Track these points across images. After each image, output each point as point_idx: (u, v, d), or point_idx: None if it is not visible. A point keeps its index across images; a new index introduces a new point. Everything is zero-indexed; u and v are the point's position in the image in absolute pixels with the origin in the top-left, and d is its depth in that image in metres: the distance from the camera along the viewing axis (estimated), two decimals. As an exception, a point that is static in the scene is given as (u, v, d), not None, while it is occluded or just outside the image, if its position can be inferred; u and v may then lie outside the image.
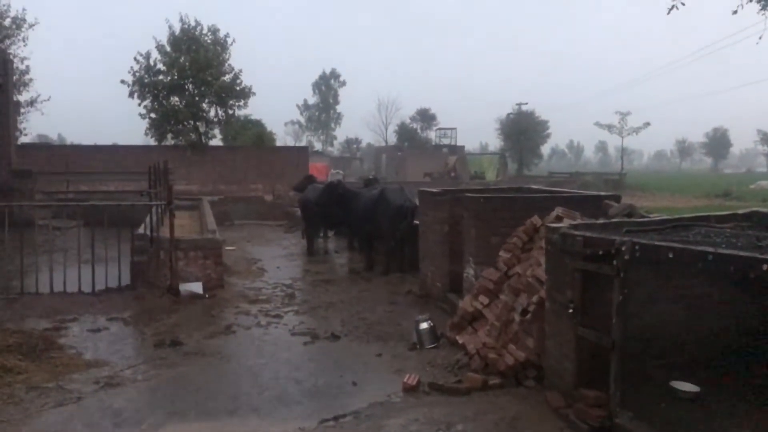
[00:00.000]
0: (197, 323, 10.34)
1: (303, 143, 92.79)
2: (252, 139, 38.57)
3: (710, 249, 4.95)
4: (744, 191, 49.20)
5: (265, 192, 31.89)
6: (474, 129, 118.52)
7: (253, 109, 39.61)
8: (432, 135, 79.69)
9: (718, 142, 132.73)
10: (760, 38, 7.41)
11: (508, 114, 76.67)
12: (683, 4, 6.75)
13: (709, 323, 6.37)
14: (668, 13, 6.89)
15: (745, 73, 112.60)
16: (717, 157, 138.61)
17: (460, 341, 8.45)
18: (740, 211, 7.50)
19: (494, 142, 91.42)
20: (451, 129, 73.05)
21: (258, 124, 43.41)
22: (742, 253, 4.72)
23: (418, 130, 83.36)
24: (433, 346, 8.87)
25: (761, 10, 6.91)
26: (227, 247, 17.13)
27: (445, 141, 71.31)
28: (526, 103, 75.63)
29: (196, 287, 12.12)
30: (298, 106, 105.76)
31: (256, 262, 16.78)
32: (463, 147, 70.72)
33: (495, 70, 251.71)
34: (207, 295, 12.03)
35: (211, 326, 10.22)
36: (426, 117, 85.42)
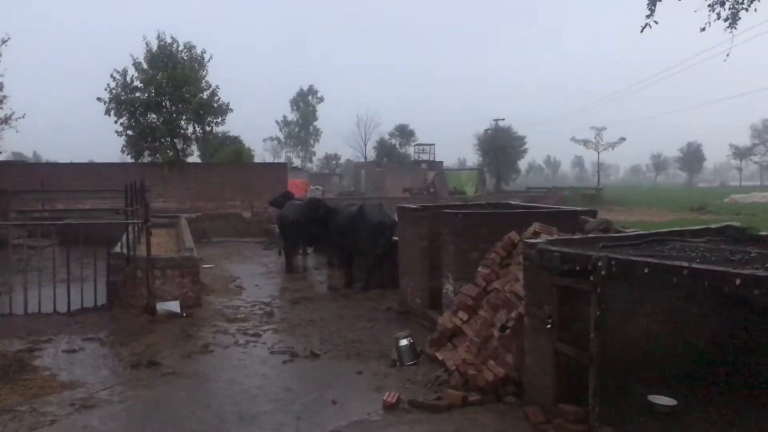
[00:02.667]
0: (174, 343, 10.22)
1: (282, 159, 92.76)
2: (230, 155, 38.43)
3: (685, 264, 5.02)
4: (718, 205, 49.92)
5: (244, 209, 31.73)
6: (452, 145, 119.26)
7: (231, 125, 39.65)
8: (411, 151, 79.94)
9: (692, 157, 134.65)
10: (727, 56, 7.55)
11: (486, 130, 77.28)
12: (656, 22, 6.87)
13: (686, 337, 6.44)
14: (641, 31, 7.02)
15: (717, 88, 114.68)
16: (691, 171, 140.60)
17: (440, 358, 8.45)
18: (713, 226, 7.62)
19: (472, 158, 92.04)
20: (430, 145, 73.39)
21: (236, 141, 43.28)
22: (715, 268, 4.78)
23: (397, 146, 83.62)
24: (413, 363, 8.85)
25: (728, 28, 7.05)
26: (205, 265, 17.03)
27: (424, 157, 71.56)
28: (503, 119, 76.26)
29: (174, 306, 12.01)
30: (276, 122, 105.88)
31: (234, 279, 16.66)
32: (441, 163, 71.00)
33: (472, 87, 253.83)
34: (184, 314, 11.91)
35: (188, 346, 10.10)
36: (405, 133, 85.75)
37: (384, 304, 12.95)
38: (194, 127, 34.48)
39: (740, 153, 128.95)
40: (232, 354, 9.78)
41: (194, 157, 37.75)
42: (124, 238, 13.60)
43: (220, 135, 39.61)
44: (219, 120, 34.61)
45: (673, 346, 6.22)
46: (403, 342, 9.05)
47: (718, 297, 4.83)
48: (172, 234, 19.78)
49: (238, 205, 32.28)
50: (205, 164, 37.62)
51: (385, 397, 7.33)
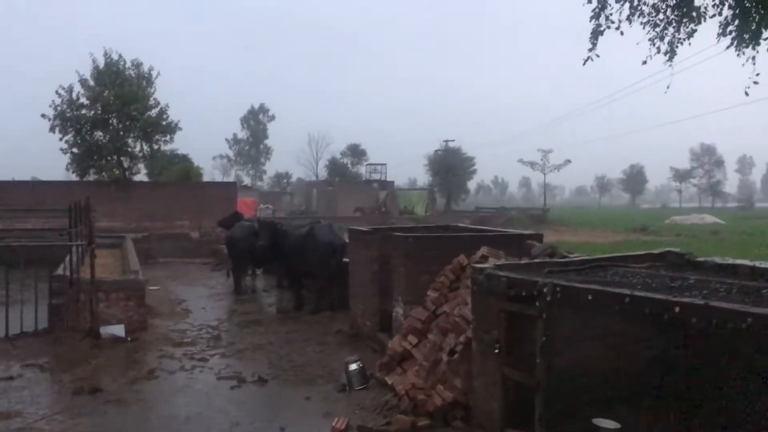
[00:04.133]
0: (119, 368, 9.97)
1: (231, 178, 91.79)
2: (178, 174, 37.89)
3: (627, 291, 5.17)
4: (659, 226, 51.40)
5: (192, 229, 31.22)
6: (403, 165, 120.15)
7: (179, 143, 39.09)
8: (362, 170, 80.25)
9: (635, 179, 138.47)
10: (668, 87, 7.87)
11: (436, 150, 78.12)
12: (597, 56, 7.13)
13: (629, 361, 6.58)
14: (584, 64, 7.26)
15: (658, 113, 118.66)
16: (634, 193, 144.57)
17: (390, 382, 8.44)
18: (654, 252, 7.85)
19: (423, 178, 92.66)
20: (381, 164, 73.82)
21: (185, 159, 42.70)
22: (656, 296, 4.94)
23: (349, 165, 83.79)
24: (362, 387, 8.82)
25: (667, 61, 7.36)
26: (151, 287, 16.66)
27: (376, 176, 71.87)
28: (453, 140, 77.28)
29: (118, 330, 11.72)
30: (226, 140, 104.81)
31: (181, 302, 16.35)
32: (392, 182, 71.41)
33: (424, 108, 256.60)
34: (129, 338, 11.64)
35: (133, 371, 9.87)
36: (356, 152, 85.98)
37: (334, 327, 12.89)
38: (142, 145, 34.00)
39: (680, 176, 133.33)
40: (178, 380, 9.60)
41: (141, 176, 37.14)
42: (67, 259, 13.23)
43: (168, 153, 39.03)
44: (167, 138, 34.25)
45: (617, 370, 6.35)
46: (353, 366, 9.03)
47: (659, 323, 4.98)
48: (118, 255, 19.35)
49: (186, 225, 31.79)
50: (153, 183, 36.97)
51: (334, 424, 7.28)
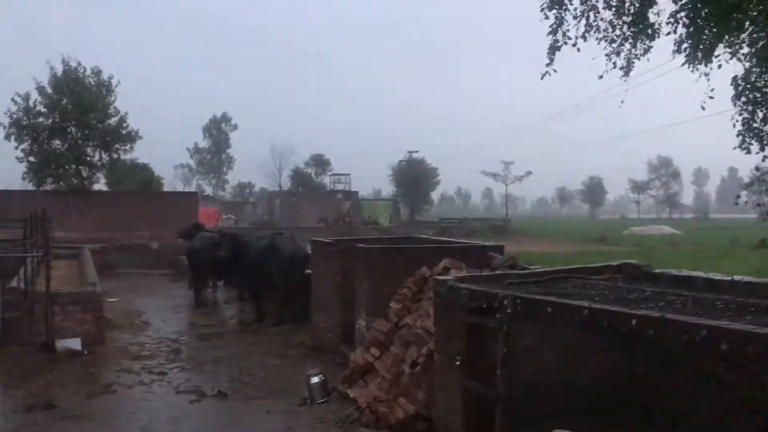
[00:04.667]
0: (74, 383, 9.75)
1: (193, 188, 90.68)
2: (138, 184, 37.26)
3: (585, 304, 5.24)
4: (618, 237, 52.33)
5: (152, 239, 30.70)
6: (367, 175, 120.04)
7: (140, 152, 38.29)
8: (326, 180, 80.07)
9: (594, 190, 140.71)
10: (622, 102, 8.06)
11: (400, 161, 78.38)
12: (555, 71, 7.27)
13: (588, 372, 6.66)
14: (542, 78, 7.39)
15: (617, 127, 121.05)
16: (594, 204, 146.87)
17: (352, 395, 8.40)
18: (613, 263, 7.98)
19: (387, 188, 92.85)
20: (345, 175, 73.82)
21: (145, 169, 42.01)
22: (614, 308, 5.02)
23: (313, 176, 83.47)
24: (324, 400, 8.76)
25: (623, 76, 7.54)
26: (109, 299, 16.34)
27: (339, 186, 71.84)
28: (417, 151, 77.67)
29: (74, 344, 11.46)
30: (188, 149, 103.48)
31: (140, 314, 16.05)
32: (356, 193, 71.44)
33: (388, 119, 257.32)
34: (86, 352, 11.40)
35: (89, 386, 9.65)
36: (320, 162, 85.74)
37: (296, 339, 12.80)
38: (101, 154, 33.34)
39: (638, 187, 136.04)
40: (136, 394, 9.42)
41: (100, 185, 36.38)
42: (21, 271, 12.91)
43: (128, 162, 38.32)
44: (127, 147, 33.62)
45: (576, 381, 6.41)
46: (315, 379, 8.96)
47: (617, 335, 5.05)
48: (75, 266, 18.94)
49: (146, 236, 31.21)
50: (112, 193, 36.29)
51: (294, 438, 7.21)
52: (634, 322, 4.67)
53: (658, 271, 7.62)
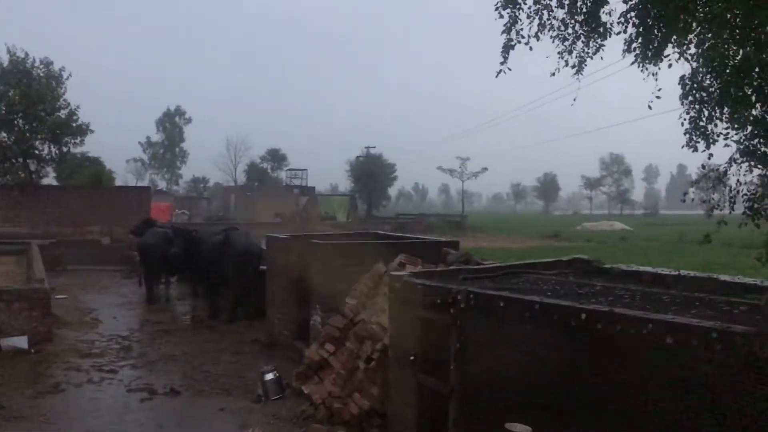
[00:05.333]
0: (21, 382, 9.49)
1: (146, 182, 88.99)
2: (89, 178, 36.37)
3: (536, 299, 5.31)
4: (571, 232, 53.31)
5: (103, 235, 30.03)
6: (324, 170, 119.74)
7: (90, 146, 37.50)
8: (282, 175, 79.47)
9: (548, 186, 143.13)
10: (574, 100, 8.17)
11: (358, 156, 78.24)
12: (509, 69, 7.33)
13: (539, 366, 6.76)
14: (496, 76, 7.44)
15: (570, 124, 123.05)
16: (547, 200, 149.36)
17: (306, 391, 8.37)
18: (564, 258, 8.12)
19: (344, 184, 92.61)
20: (302, 170, 73.31)
21: (96, 162, 41.07)
22: (564, 303, 5.10)
23: (269, 171, 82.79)
24: (278, 397, 8.72)
25: (575, 74, 7.64)
26: (57, 296, 15.98)
27: (296, 182, 71.31)
28: (374, 147, 77.65)
29: (20, 342, 11.16)
30: (140, 143, 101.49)
31: (91, 311, 15.69)
32: (313, 188, 71.06)
33: (345, 114, 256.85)
34: (33, 350, 11.10)
35: (36, 385, 9.41)
36: (276, 157, 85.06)
37: (250, 336, 12.69)
38: (50, 148, 32.43)
39: (591, 184, 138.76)
40: (85, 393, 9.22)
41: (50, 179, 35.43)
42: (-37, 268, 12.50)
43: (78, 156, 37.41)
44: (78, 140, 32.80)
45: (528, 375, 6.51)
46: (269, 376, 8.91)
47: (567, 329, 5.14)
48: (22, 262, 18.38)
49: (97, 231, 30.50)
50: (62, 187, 35.35)
51: (248, 435, 7.15)
52: (583, 316, 4.75)
53: (608, 266, 7.79)
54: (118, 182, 46.65)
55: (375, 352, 7.65)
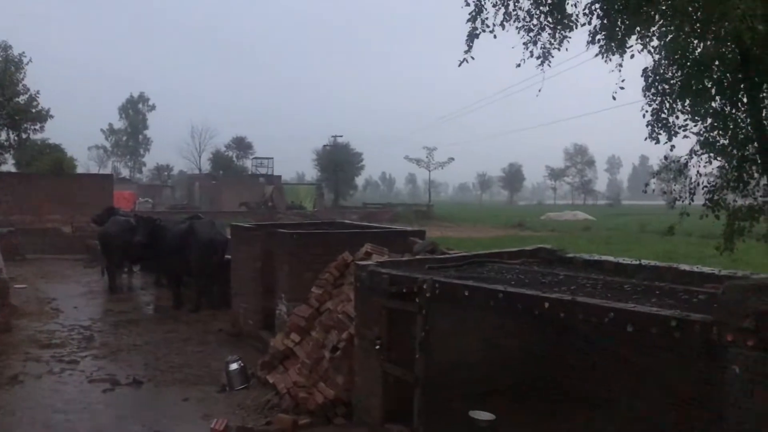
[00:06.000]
0: (-23, 374, 9.27)
1: (108, 170, 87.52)
2: (49, 165, 35.65)
3: (501, 288, 5.36)
4: (535, 222, 53.86)
5: (64, 223, 29.46)
6: (291, 159, 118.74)
7: (51, 132, 36.66)
8: (248, 164, 78.72)
9: (514, 177, 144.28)
10: (539, 91, 8.23)
11: (324, 146, 77.93)
12: (473, 58, 7.34)
13: (503, 354, 6.84)
14: (459, 65, 7.45)
15: (535, 115, 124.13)
16: (512, 190, 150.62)
17: (271, 381, 8.34)
18: (528, 248, 8.20)
19: (311, 173, 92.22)
20: (268, 158, 72.65)
21: (57, 149, 40.25)
22: (527, 292, 5.15)
23: (234, 159, 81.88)
24: (243, 387, 8.67)
25: (540, 65, 7.69)
26: (16, 285, 15.65)
27: (262, 170, 70.69)
28: (341, 136, 77.39)
29: (-23, 333, 10.89)
30: (102, 130, 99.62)
31: (51, 301, 15.40)
32: (279, 177, 70.52)
33: (312, 103, 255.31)
34: (-10, 342, 10.84)
35: (-7, 377, 9.20)
36: (242, 145, 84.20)
37: (215, 326, 12.59)
38: (8, 134, 31.69)
39: (555, 174, 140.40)
40: (45, 384, 9.05)
41: (9, 166, 34.68)
42: None
43: (38, 143, 36.64)
44: (37, 127, 32.12)
45: (492, 363, 6.58)
46: (234, 366, 8.85)
47: (531, 317, 5.20)
48: (-22, 251, 17.95)
49: (58, 219, 29.94)
50: (21, 174, 34.60)
51: (212, 425, 7.08)
52: (546, 305, 4.80)
53: (571, 255, 7.88)
54: (80, 170, 45.80)
55: (341, 342, 7.65)
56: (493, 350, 6.49)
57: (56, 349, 10.83)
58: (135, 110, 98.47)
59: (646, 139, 7.57)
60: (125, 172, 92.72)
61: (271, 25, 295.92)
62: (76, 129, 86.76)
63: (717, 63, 7.15)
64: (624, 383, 5.08)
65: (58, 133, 41.33)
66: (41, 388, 8.84)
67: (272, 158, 72.32)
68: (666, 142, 7.61)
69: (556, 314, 4.76)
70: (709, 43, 7.08)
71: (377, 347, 6.67)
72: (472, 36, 7.24)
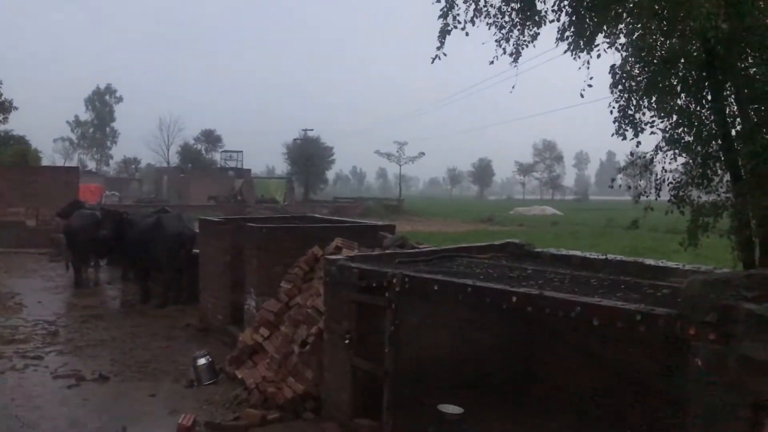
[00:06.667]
0: (-63, 371, 9.06)
1: (74, 162, 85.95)
2: (13, 157, 34.95)
3: (470, 282, 5.39)
4: (504, 217, 54.34)
5: (28, 216, 28.89)
6: (261, 153, 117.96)
7: (15, 124, 35.94)
8: (217, 157, 77.87)
9: (483, 172, 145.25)
10: (513, 87, 8.31)
11: (295, 139, 77.46)
12: (445, 54, 7.37)
13: (472, 348, 6.89)
14: (432, 62, 7.47)
15: (505, 110, 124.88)
16: (482, 185, 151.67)
17: (240, 376, 8.29)
18: (497, 242, 8.27)
19: (281, 167, 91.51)
20: (238, 152, 72.01)
21: (21, 141, 39.48)
22: (495, 286, 5.19)
23: (203, 152, 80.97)
24: (211, 382, 8.62)
25: (512, 62, 7.76)
26: (-22, 280, 15.31)
27: (231, 164, 70.02)
28: (312, 130, 77.01)
29: (-64, 329, 10.64)
30: (68, 122, 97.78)
31: (14, 296, 15.10)
32: (249, 170, 69.98)
33: (283, 97, 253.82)
34: (-50, 338, 10.61)
35: (-46, 374, 9.00)
36: (211, 138, 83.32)
37: (183, 320, 12.47)
38: (-29, 125, 31.03)
39: (524, 169, 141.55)
40: (8, 380, 8.88)
41: (-29, 158, 33.86)
42: None
43: (2, 134, 35.87)
44: (1, 118, 31.45)
45: (461, 357, 6.63)
46: (202, 361, 8.79)
47: (499, 311, 5.24)
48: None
49: (22, 213, 29.33)
50: (-17, 166, 33.88)
51: (180, 420, 7.01)
52: (514, 299, 4.84)
53: (538, 249, 7.97)
54: (45, 162, 45.06)
55: (310, 336, 7.63)
56: (462, 344, 6.54)
57: (19, 345, 10.63)
58: (102, 102, 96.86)
59: (613, 135, 7.70)
60: (92, 165, 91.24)
61: (240, 18, 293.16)
62: (41, 121, 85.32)
63: (682, 61, 7.28)
64: (591, 376, 5.16)
65: (23, 125, 40.64)
66: (4, 384, 8.67)
67: (242, 151, 71.77)
68: (632, 139, 7.75)
69: (524, 308, 4.80)
70: (674, 41, 7.22)
71: (347, 341, 6.67)
72: (443, 32, 7.27)
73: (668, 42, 7.25)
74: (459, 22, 7.26)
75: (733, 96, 7.30)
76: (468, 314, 6.24)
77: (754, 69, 7.21)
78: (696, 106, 7.59)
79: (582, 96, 7.62)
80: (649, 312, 3.96)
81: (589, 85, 7.51)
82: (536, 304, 4.72)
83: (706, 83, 7.28)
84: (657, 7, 6.79)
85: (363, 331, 6.63)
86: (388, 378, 6.03)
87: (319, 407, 7.24)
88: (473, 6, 7.26)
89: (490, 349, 6.61)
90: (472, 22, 7.26)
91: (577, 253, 7.55)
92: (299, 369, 7.58)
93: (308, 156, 73.76)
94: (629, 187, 8.37)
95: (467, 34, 7.25)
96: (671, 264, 6.49)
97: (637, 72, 7.53)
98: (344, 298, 6.79)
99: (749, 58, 7.11)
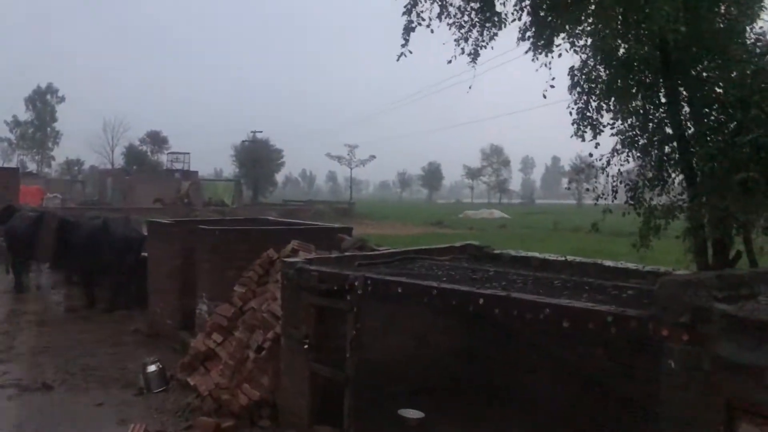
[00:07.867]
0: None
1: (13, 164, 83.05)
2: (-53, 157, 33.54)
3: (434, 284, 5.28)
4: (454, 220, 54.76)
5: (-37, 219, 27.69)
6: (208, 154, 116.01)
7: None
8: (164, 159, 76.35)
9: (433, 175, 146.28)
10: (470, 87, 8.28)
11: (243, 141, 76.49)
12: (410, 52, 7.29)
13: (434, 352, 6.80)
14: (397, 59, 7.38)
15: (454, 114, 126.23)
16: (432, 188, 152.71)
17: (192, 383, 8.01)
18: (457, 244, 8.21)
19: (229, 169, 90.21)
20: (185, 153, 70.66)
21: (-45, 141, 37.95)
22: (462, 288, 5.09)
23: (149, 153, 79.36)
24: (161, 389, 8.34)
25: (470, 62, 7.72)
26: None
27: (178, 166, 68.68)
28: (261, 132, 76.16)
29: None
30: (6, 122, 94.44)
31: (-51, 302, 14.41)
32: (196, 172, 68.72)
33: (230, 98, 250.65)
34: None
35: None
36: (157, 140, 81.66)
37: (131, 326, 12.11)
38: None
39: (472, 173, 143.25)
40: (-56, 392, 8.39)
41: None
42: None
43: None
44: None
45: (423, 361, 6.53)
46: (151, 368, 8.50)
47: (464, 314, 5.15)
48: None
49: (-44, 215, 28.10)
50: None
51: (130, 430, 6.76)
52: (481, 301, 4.75)
53: (497, 251, 7.93)
54: (-19, 163, 43.28)
55: (266, 341, 7.42)
56: (425, 348, 6.44)
57: (-45, 354, 10.10)
58: (43, 102, 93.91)
59: (572, 136, 7.74)
60: (32, 167, 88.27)
61: (189, 16, 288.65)
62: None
63: (640, 64, 7.37)
64: (558, 378, 5.11)
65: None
66: (-62, 396, 8.20)
67: (189, 153, 70.45)
68: (591, 140, 7.80)
69: (491, 310, 4.71)
70: (631, 43, 7.29)
71: (305, 346, 6.49)
72: (408, 29, 7.19)
73: (627, 44, 7.33)
74: (423, 20, 7.19)
75: (687, 99, 7.42)
76: (431, 317, 6.15)
77: (708, 73, 7.34)
78: (651, 108, 7.69)
79: (544, 97, 7.65)
80: (620, 313, 3.92)
81: (552, 86, 7.54)
82: (504, 306, 4.64)
83: (662, 86, 7.39)
84: (616, 10, 6.84)
85: (322, 335, 6.47)
86: (349, 383, 5.88)
87: (275, 414, 7.05)
88: (438, 3, 7.20)
89: (453, 353, 6.53)
90: (438, 18, 7.20)
91: (537, 254, 7.54)
92: (255, 375, 7.36)
93: (257, 158, 72.99)
94: (587, 190, 8.43)
95: (432, 31, 7.19)
96: (631, 265, 6.52)
97: (597, 74, 7.59)
98: (303, 302, 6.62)
99: (704, 61, 7.24)
